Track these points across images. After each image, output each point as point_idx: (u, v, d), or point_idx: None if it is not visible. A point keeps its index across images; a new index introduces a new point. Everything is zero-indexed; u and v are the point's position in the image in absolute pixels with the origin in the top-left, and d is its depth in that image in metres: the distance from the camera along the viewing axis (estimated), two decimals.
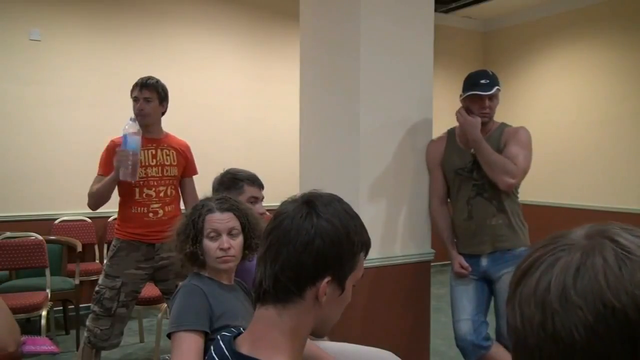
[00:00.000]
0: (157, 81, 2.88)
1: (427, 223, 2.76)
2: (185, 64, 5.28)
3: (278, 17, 5.72)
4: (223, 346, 1.01)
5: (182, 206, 3.02)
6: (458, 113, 2.54)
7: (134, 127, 2.70)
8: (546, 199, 6.14)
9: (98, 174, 2.85)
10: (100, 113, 4.80)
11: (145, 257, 2.82)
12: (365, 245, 1.06)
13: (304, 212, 1.01)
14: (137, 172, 2.70)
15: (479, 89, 2.49)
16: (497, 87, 2.50)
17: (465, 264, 2.56)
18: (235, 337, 1.04)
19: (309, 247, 0.97)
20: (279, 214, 1.04)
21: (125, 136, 2.67)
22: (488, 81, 2.50)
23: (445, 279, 3.00)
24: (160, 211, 2.82)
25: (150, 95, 2.81)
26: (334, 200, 1.06)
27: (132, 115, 2.79)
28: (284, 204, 1.06)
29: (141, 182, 2.80)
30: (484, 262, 2.55)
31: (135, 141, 2.68)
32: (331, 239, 0.99)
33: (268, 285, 0.99)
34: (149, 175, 2.82)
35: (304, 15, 2.89)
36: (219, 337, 1.04)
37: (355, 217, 1.06)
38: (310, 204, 1.02)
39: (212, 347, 1.04)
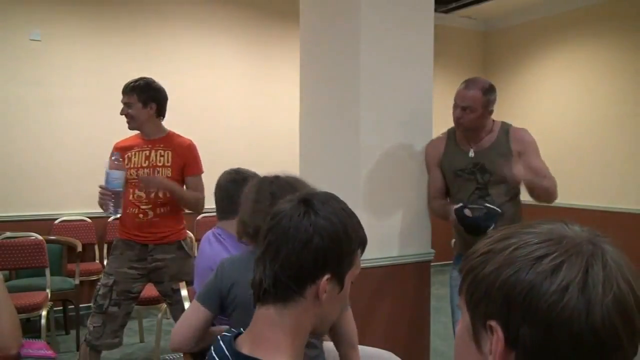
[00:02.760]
0: (139, 84, 2.83)
1: (427, 223, 2.76)
2: (185, 64, 5.27)
3: (278, 17, 5.71)
4: (223, 346, 1.00)
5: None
6: (517, 170, 2.34)
7: (116, 162, 2.68)
8: None
9: None
10: (101, 113, 4.79)
11: (138, 257, 2.82)
12: (362, 242, 1.08)
13: (301, 211, 1.01)
14: (120, 206, 2.73)
15: None
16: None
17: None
18: (235, 337, 1.03)
19: (308, 245, 0.98)
20: (277, 213, 1.04)
21: (107, 173, 2.67)
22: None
23: (445, 279, 2.99)
24: (150, 212, 2.80)
25: (129, 100, 2.81)
26: (330, 199, 1.07)
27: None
28: (280, 203, 1.07)
29: (133, 184, 2.81)
30: None
31: (118, 179, 2.67)
32: (330, 236, 0.99)
33: (268, 285, 0.99)
34: (140, 177, 2.82)
35: (304, 15, 2.89)
36: (219, 337, 1.04)
37: (352, 215, 1.07)
38: (307, 202, 1.03)
39: (212, 347, 1.03)
